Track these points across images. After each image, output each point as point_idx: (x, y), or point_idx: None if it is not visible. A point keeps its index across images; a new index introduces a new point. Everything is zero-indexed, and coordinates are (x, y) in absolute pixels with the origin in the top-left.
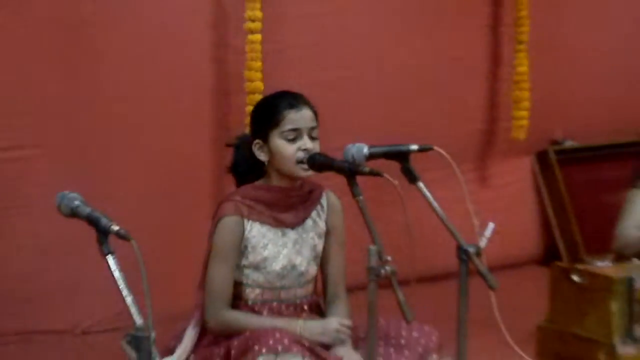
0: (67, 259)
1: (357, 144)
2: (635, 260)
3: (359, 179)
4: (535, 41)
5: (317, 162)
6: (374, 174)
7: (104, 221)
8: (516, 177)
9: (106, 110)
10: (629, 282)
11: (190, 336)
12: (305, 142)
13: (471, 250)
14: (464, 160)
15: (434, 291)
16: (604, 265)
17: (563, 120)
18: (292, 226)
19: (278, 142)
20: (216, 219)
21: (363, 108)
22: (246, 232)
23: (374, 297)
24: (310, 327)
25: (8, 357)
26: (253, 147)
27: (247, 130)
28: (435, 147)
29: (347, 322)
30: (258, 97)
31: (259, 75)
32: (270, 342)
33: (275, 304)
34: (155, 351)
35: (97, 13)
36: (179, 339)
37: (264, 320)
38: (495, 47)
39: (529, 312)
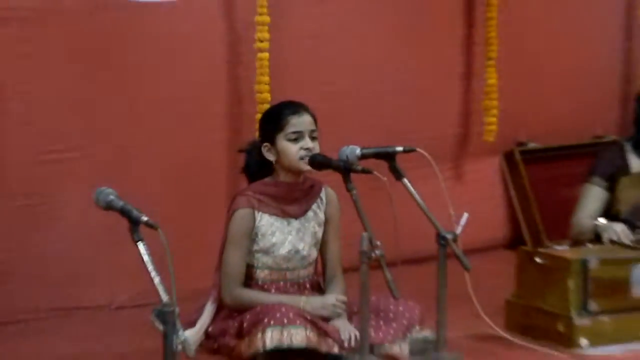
0: (103, 244)
1: (351, 146)
2: (589, 245)
3: (353, 175)
4: (502, 58)
5: (317, 162)
6: (365, 171)
7: (134, 213)
8: (487, 174)
9: (136, 119)
10: (584, 263)
11: (209, 311)
12: (307, 142)
13: (448, 236)
14: (442, 160)
15: (416, 272)
16: (562, 249)
17: (527, 125)
18: (296, 216)
19: (283, 143)
20: (231, 210)
21: (355, 115)
22: (257, 222)
23: (365, 277)
24: (312, 303)
25: (51, 330)
26: (262, 149)
27: (256, 134)
28: (418, 149)
29: (343, 298)
30: (266, 106)
31: (266, 87)
32: (278, 315)
33: (281, 283)
34: (178, 324)
35: (128, 33)
36: (199, 313)
37: (272, 297)
38: (468, 63)
39: (498, 289)
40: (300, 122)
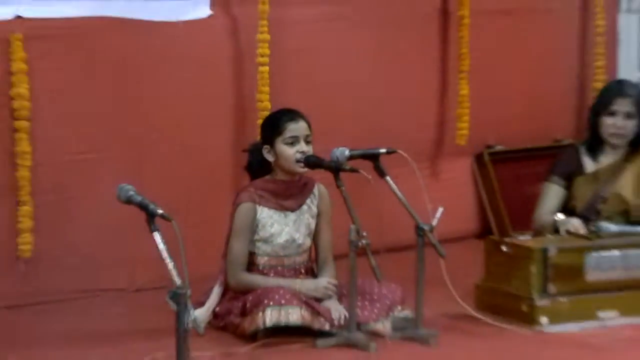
0: (124, 234)
1: (340, 148)
2: (548, 236)
3: (342, 174)
4: (473, 71)
5: (311, 162)
6: (353, 170)
7: (151, 206)
8: (459, 173)
9: (151, 125)
10: (544, 251)
11: (216, 293)
12: (302, 146)
13: (426, 227)
14: (420, 161)
15: (398, 258)
16: (525, 239)
17: (495, 130)
18: (292, 210)
19: (281, 146)
20: (235, 204)
21: (344, 121)
22: (258, 215)
23: (353, 263)
24: (306, 285)
25: (79, 310)
26: (263, 151)
27: (258, 138)
28: (399, 151)
29: (334, 281)
30: (266, 113)
31: (267, 97)
32: (276, 297)
33: (279, 268)
34: (190, 304)
35: (145, 51)
36: (207, 295)
37: (271, 281)
38: (443, 76)
39: (469, 274)
40: (297, 127)
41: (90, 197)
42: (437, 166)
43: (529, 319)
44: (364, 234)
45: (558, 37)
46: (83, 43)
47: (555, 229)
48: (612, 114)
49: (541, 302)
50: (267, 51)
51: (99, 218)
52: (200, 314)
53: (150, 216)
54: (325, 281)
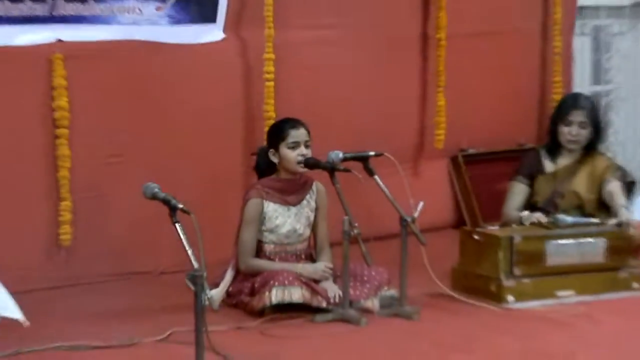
0: (150, 225)
1: (335, 151)
2: (514, 226)
3: (337, 173)
4: (449, 85)
5: (310, 163)
6: (346, 170)
7: (173, 202)
8: (437, 172)
9: (173, 132)
10: (511, 239)
11: (229, 275)
12: (302, 150)
13: (408, 219)
14: (404, 162)
15: (384, 246)
16: (493, 229)
17: (467, 135)
18: (294, 204)
19: (285, 150)
20: (245, 200)
21: (339, 128)
22: (264, 208)
23: (347, 250)
24: (306, 269)
25: (111, 290)
26: (269, 153)
27: (264, 143)
28: (386, 154)
29: (330, 265)
30: (272, 121)
31: (272, 107)
32: (280, 278)
33: (283, 254)
34: (206, 285)
35: (166, 70)
36: (221, 277)
37: (276, 265)
38: (423, 89)
39: (446, 259)
40: (298, 134)
41: (120, 194)
42: (418, 167)
43: (497, 297)
44: (356, 224)
45: (522, 56)
46: (114, 62)
47: (520, 223)
48: (569, 123)
49: (508, 283)
50: (272, 69)
51: (128, 212)
52: (215, 294)
53: (172, 210)
54: (322, 265)
